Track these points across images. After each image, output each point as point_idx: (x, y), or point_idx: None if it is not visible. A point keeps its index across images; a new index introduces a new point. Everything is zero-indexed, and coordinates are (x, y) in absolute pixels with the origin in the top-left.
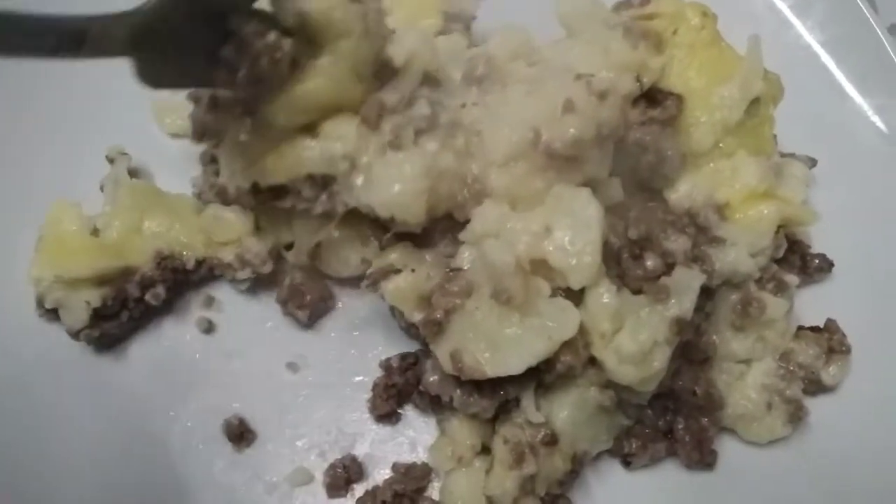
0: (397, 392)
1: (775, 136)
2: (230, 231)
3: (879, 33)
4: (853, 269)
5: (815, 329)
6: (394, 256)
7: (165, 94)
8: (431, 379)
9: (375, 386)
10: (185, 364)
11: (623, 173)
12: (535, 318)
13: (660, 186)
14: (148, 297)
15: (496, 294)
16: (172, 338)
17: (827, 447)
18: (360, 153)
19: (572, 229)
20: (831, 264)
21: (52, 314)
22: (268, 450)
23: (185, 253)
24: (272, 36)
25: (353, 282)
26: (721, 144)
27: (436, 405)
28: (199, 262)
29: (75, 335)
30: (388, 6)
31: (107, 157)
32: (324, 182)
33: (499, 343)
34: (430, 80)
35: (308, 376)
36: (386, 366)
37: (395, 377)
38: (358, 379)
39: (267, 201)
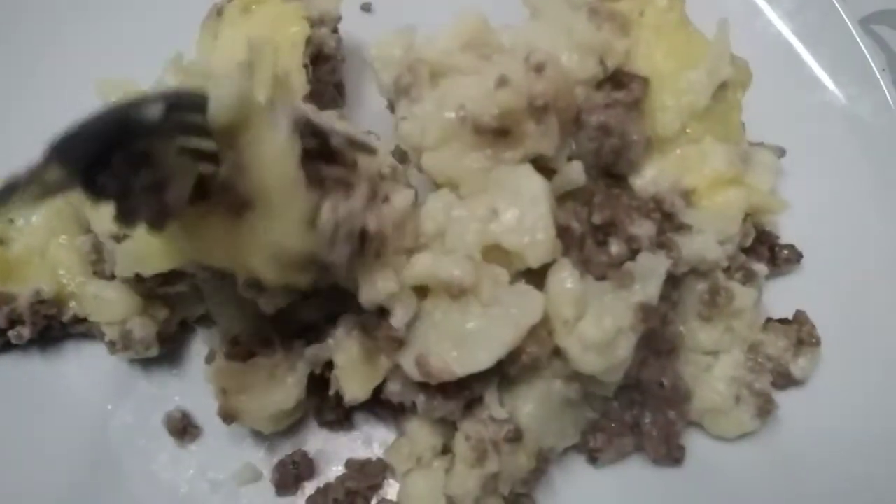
0: None
1: (744, 124)
2: (112, 312)
3: (848, 23)
4: (823, 260)
5: (784, 321)
6: None
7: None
8: (393, 388)
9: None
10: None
11: (586, 157)
12: (498, 308)
13: (625, 172)
14: (11, 333)
15: (448, 288)
16: None
17: (796, 442)
18: None
19: (519, 207)
20: (800, 255)
21: None
22: (212, 445)
23: (70, 304)
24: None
25: None
26: (688, 130)
27: (397, 411)
28: (80, 320)
29: None
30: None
31: None
32: None
33: (464, 339)
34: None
35: None
36: None
37: None
38: None
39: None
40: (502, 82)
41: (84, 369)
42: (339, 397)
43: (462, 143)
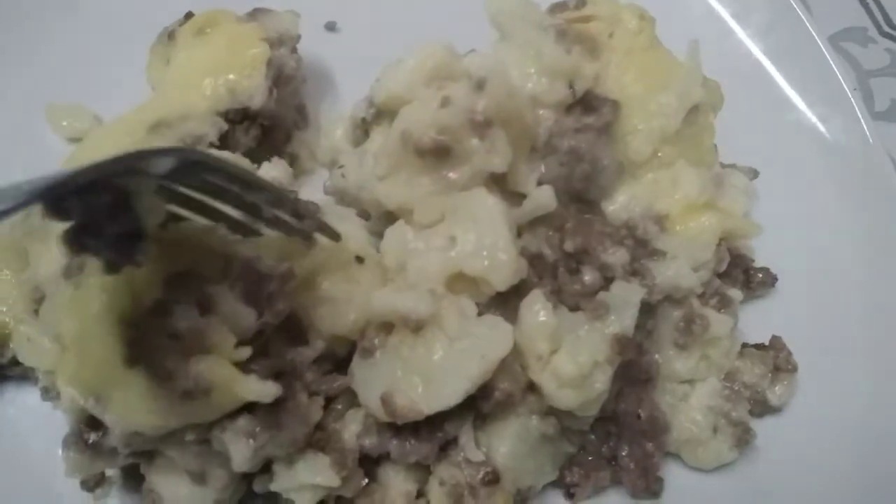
0: None
1: (716, 146)
2: (44, 360)
3: (819, 43)
4: (797, 282)
5: (759, 346)
6: None
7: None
8: (369, 441)
9: None
10: None
11: (557, 182)
12: (465, 340)
13: (596, 197)
14: None
15: (406, 322)
16: None
17: (774, 470)
18: None
19: (476, 231)
20: (775, 278)
21: None
22: None
23: (10, 344)
24: None
25: None
26: (660, 154)
27: (365, 463)
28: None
29: None
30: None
31: None
32: None
33: (430, 374)
34: None
35: None
36: None
37: None
38: None
39: None
40: (445, 103)
41: (29, 413)
42: None
43: (410, 169)
